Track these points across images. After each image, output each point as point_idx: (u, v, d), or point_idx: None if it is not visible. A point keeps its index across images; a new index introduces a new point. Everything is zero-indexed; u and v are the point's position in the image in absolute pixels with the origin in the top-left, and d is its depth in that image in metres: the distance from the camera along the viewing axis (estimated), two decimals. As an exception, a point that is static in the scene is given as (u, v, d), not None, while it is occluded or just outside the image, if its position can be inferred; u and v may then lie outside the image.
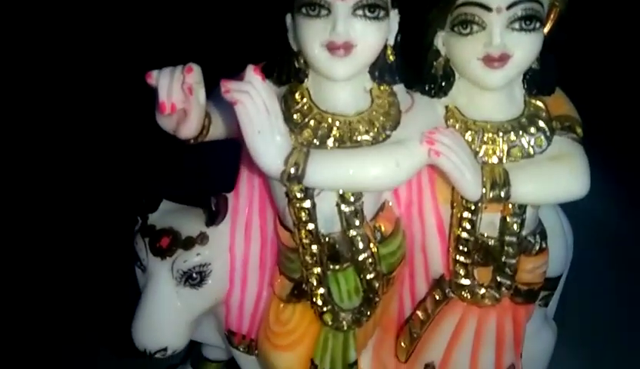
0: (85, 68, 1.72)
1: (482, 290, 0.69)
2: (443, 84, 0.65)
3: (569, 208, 0.76)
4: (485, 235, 0.67)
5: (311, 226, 0.64)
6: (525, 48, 0.60)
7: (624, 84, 1.63)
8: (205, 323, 0.80)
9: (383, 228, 0.67)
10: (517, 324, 0.72)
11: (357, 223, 0.64)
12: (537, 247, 0.69)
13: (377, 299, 0.69)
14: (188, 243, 0.70)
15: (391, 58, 0.63)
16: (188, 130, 0.60)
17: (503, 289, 0.69)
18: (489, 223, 0.66)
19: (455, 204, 0.66)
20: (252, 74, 0.55)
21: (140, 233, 0.72)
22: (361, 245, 0.65)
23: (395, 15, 0.62)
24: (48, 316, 1.09)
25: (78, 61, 1.74)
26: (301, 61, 0.63)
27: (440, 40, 0.64)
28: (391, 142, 0.61)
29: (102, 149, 1.49)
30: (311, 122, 0.61)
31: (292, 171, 0.58)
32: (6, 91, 1.65)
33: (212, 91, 0.64)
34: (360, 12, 0.58)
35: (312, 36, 0.59)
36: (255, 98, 0.55)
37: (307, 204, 0.63)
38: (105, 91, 1.63)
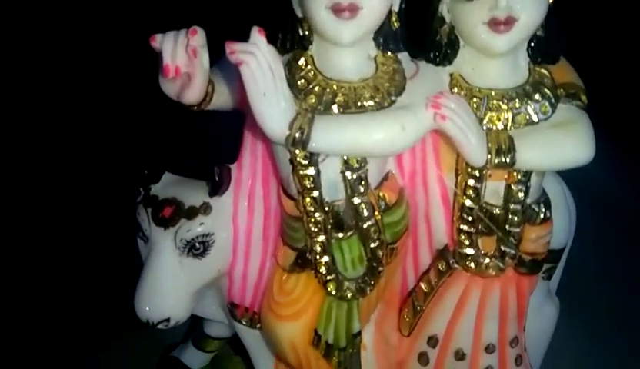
0: (89, 35, 1.71)
1: (486, 260, 0.69)
2: (448, 51, 0.65)
3: (572, 180, 0.76)
4: (490, 203, 0.66)
5: (315, 193, 0.64)
6: (530, 11, 0.60)
7: (628, 53, 1.61)
8: (208, 298, 0.79)
9: (387, 198, 0.67)
10: (520, 296, 0.72)
11: (361, 190, 0.64)
12: (541, 216, 0.68)
13: (381, 268, 0.68)
14: (191, 213, 0.70)
15: (396, 24, 0.63)
16: (192, 95, 0.60)
17: (507, 258, 0.69)
18: (494, 191, 0.66)
19: (459, 172, 0.66)
20: (257, 35, 0.54)
21: (142, 203, 0.71)
22: (365, 213, 0.65)
23: (399, -19, 0.62)
24: (49, 288, 1.09)
25: (80, 27, 1.73)
26: (306, 27, 0.62)
27: (445, 6, 0.64)
28: (396, 107, 0.61)
29: (105, 121, 1.48)
30: (316, 88, 0.61)
31: (297, 135, 0.57)
32: (3, 66, 1.64)
33: (216, 62, 0.64)
34: None
35: None
36: (260, 59, 0.54)
37: (311, 170, 0.63)
38: (107, 60, 1.62)
